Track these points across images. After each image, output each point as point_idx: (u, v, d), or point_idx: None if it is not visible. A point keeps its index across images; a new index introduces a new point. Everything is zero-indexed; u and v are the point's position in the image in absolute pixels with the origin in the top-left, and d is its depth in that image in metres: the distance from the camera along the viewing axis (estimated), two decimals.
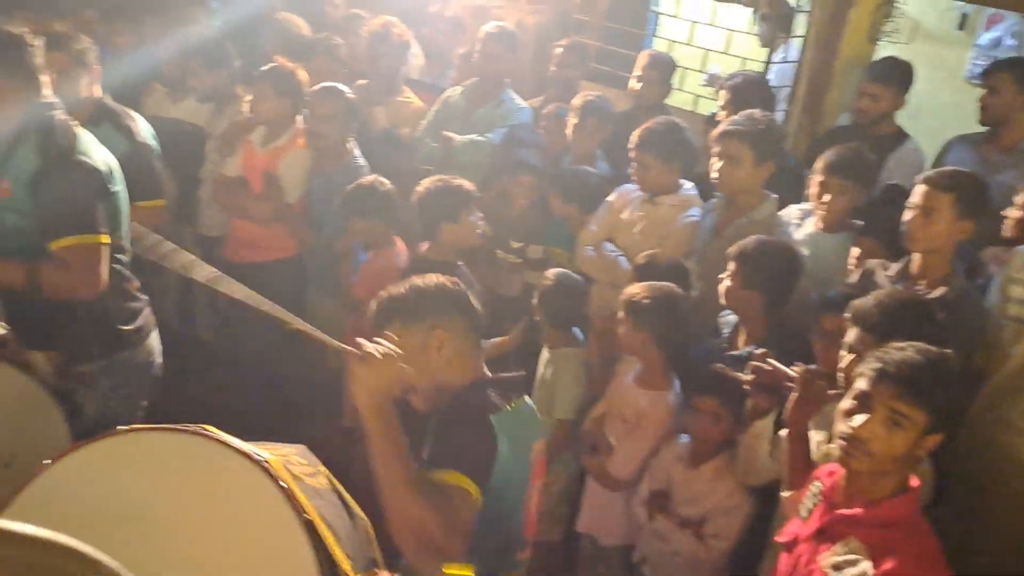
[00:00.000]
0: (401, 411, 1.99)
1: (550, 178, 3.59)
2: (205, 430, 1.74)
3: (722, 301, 2.74)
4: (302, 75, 3.65)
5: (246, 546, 1.61)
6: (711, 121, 3.77)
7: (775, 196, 3.05)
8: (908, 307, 2.15)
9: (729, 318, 2.84)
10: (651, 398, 2.76)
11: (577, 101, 3.73)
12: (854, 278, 2.68)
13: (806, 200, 3.19)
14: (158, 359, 2.74)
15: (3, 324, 2.36)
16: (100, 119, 2.99)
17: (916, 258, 2.59)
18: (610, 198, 3.42)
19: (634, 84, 4.04)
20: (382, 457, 1.68)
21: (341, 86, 3.67)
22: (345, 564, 1.64)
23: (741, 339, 2.75)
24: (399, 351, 1.75)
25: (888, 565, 1.63)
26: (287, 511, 1.59)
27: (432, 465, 1.74)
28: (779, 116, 3.99)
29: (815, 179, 3.03)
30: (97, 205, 2.38)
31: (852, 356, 2.11)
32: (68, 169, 2.33)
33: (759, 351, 2.36)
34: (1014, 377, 2.46)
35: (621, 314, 2.72)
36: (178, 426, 1.74)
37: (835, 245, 2.97)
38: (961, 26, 5.61)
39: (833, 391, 2.13)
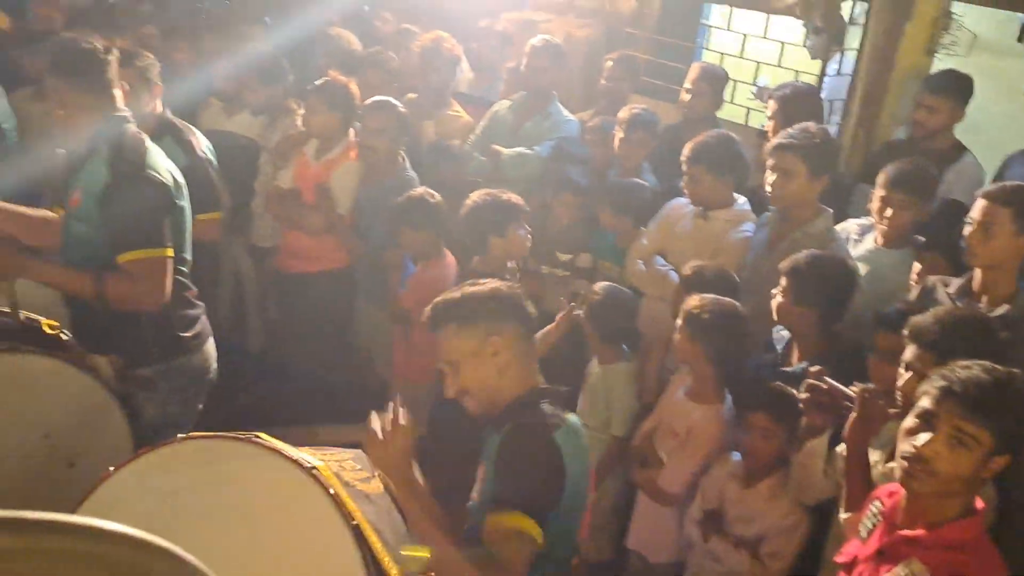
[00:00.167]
0: (457, 414, 2.01)
1: (601, 191, 3.58)
2: (258, 437, 1.77)
3: (774, 317, 2.70)
4: (353, 89, 3.71)
5: (296, 550, 1.64)
6: (763, 134, 3.73)
7: (831, 210, 3.01)
8: (968, 325, 2.10)
9: (782, 333, 2.80)
10: (703, 412, 2.73)
11: (623, 114, 3.73)
12: (914, 294, 2.63)
13: (857, 214, 3.13)
14: (213, 365, 2.80)
15: (65, 331, 2.43)
16: (162, 134, 3.08)
17: (977, 274, 2.53)
18: (662, 212, 3.40)
19: (684, 97, 4.02)
20: (419, 526, 1.74)
21: (393, 100, 3.73)
22: (393, 570, 1.65)
23: (795, 355, 2.70)
24: (404, 423, 1.83)
25: None
26: (335, 516, 1.62)
27: (495, 505, 1.74)
28: (833, 129, 3.94)
29: (876, 193, 2.97)
30: (164, 220, 2.45)
31: (910, 374, 2.06)
32: (138, 184, 2.40)
33: (815, 369, 2.32)
34: None
35: (680, 323, 2.69)
36: (233, 434, 1.78)
37: (896, 261, 2.92)
38: (1020, 38, 5.47)
39: (892, 410, 2.09)
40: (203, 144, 3.32)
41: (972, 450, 1.62)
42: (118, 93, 2.50)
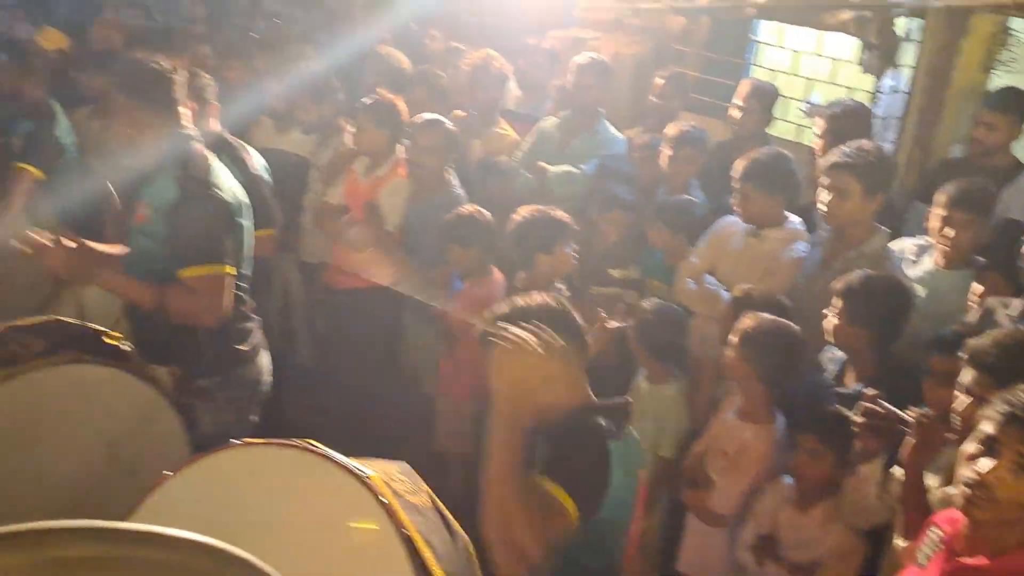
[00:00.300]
0: None
1: (651, 208, 3.56)
2: (312, 445, 1.79)
3: (828, 338, 2.65)
4: (402, 107, 3.75)
5: (347, 558, 1.64)
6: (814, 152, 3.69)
7: (886, 229, 2.95)
8: None
9: (836, 353, 2.75)
10: (754, 431, 2.69)
11: (671, 131, 3.71)
12: (974, 316, 2.56)
13: (912, 232, 3.07)
14: (267, 377, 2.85)
15: (126, 342, 2.49)
16: (218, 152, 3.13)
17: None
18: (712, 229, 3.37)
19: (734, 113, 3.99)
20: (500, 446, 1.66)
21: (442, 118, 3.76)
22: None
23: (850, 376, 2.65)
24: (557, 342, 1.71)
25: None
26: (387, 526, 1.62)
27: (543, 474, 1.73)
28: (888, 147, 3.88)
29: (936, 212, 2.91)
30: (226, 237, 2.50)
31: (968, 398, 2.01)
32: (203, 201, 2.46)
33: (870, 392, 2.27)
34: None
35: (734, 339, 2.66)
36: (287, 441, 1.80)
37: (956, 282, 2.85)
38: None
39: (950, 435, 2.03)
40: (257, 162, 3.38)
41: None
42: (184, 111, 2.57)
